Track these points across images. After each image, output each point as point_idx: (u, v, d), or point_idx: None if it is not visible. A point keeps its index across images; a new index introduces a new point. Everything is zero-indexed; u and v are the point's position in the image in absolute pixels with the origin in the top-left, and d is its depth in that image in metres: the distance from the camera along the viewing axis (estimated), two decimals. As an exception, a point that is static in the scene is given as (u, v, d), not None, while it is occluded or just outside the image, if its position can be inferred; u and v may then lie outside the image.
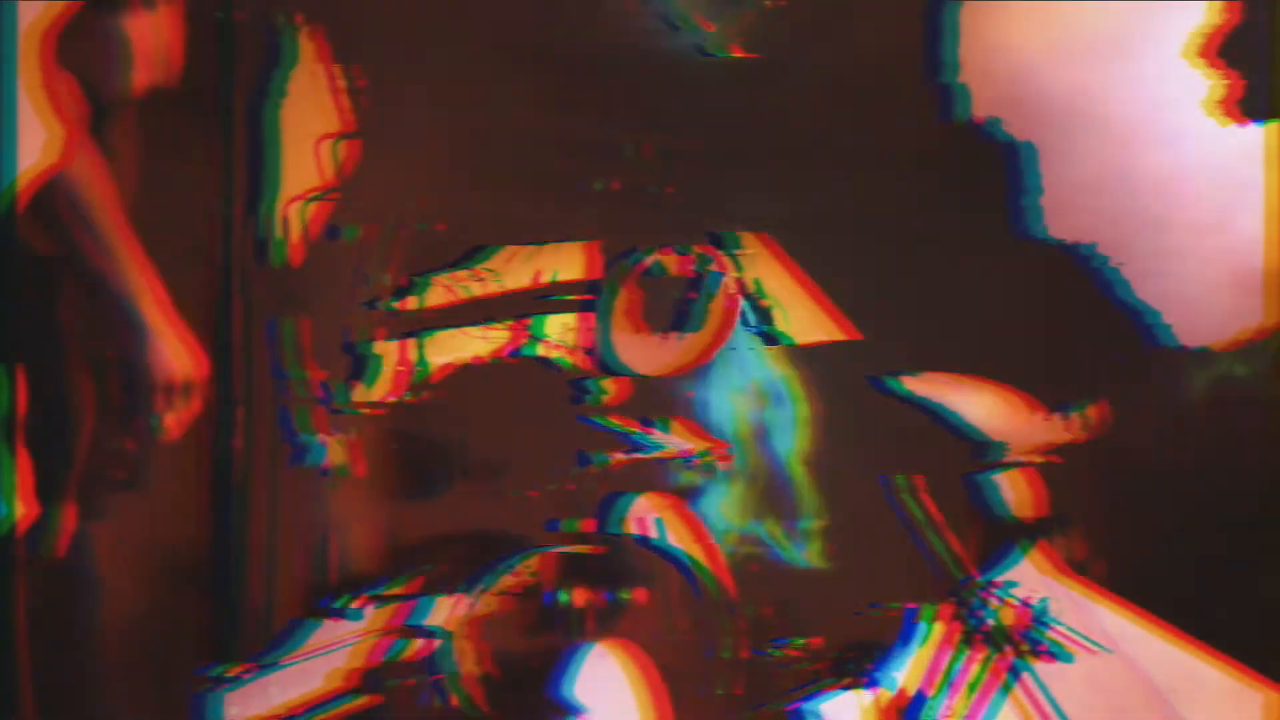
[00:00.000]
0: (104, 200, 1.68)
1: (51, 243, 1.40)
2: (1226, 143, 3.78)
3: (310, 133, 3.99)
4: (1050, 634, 3.77)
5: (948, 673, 3.78)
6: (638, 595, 3.94)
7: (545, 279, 4.25)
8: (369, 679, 3.69)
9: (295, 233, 3.88)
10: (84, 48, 1.54)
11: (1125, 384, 4.68)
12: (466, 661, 3.74)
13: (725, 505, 4.67)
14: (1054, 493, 4.25)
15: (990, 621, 3.85)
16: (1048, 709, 3.68)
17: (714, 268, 4.60)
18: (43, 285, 1.42)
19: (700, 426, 4.54)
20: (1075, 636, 3.73)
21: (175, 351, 1.78)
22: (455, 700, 3.66)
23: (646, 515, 4.20)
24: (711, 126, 4.60)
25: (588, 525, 3.99)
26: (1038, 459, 4.29)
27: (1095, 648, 3.72)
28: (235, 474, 3.67)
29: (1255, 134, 3.77)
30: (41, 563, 1.65)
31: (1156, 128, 3.98)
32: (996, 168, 4.20)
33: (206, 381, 1.79)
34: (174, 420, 1.80)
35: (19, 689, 1.58)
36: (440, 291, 4.17)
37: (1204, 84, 3.90)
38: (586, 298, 4.30)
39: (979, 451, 4.31)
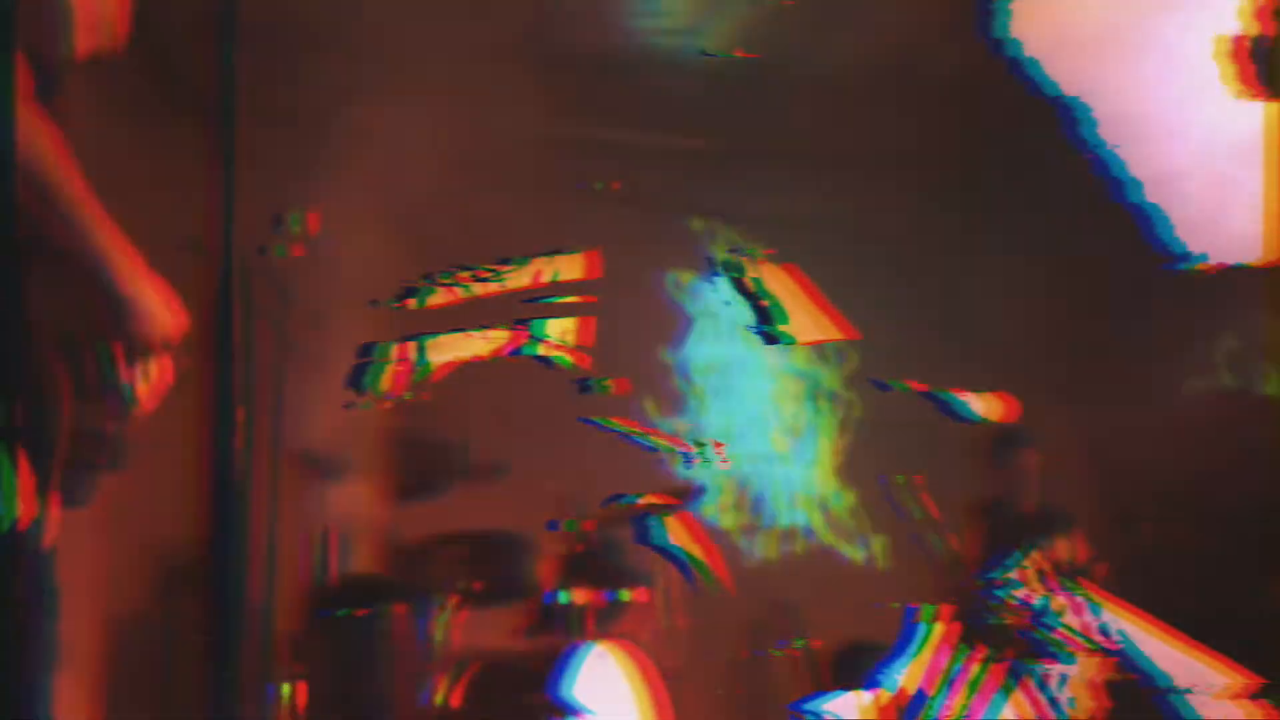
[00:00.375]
0: (62, 169, 1.65)
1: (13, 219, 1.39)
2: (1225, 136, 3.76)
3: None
4: (1050, 634, 3.76)
5: (948, 673, 3.77)
6: (638, 595, 3.93)
7: (545, 279, 4.26)
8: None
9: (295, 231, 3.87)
10: (25, 12, 1.50)
11: (1129, 383, 4.68)
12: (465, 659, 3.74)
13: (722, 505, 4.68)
14: (1055, 493, 4.24)
15: (990, 622, 3.84)
16: (1048, 709, 3.68)
17: (715, 269, 4.61)
18: (7, 265, 1.40)
19: (700, 426, 4.55)
20: (1075, 636, 3.72)
21: (152, 307, 1.73)
22: (454, 699, 3.65)
23: (647, 515, 4.20)
24: (711, 126, 4.60)
25: (588, 525, 3.98)
26: (1039, 456, 4.29)
27: (1095, 648, 3.71)
28: (235, 474, 3.66)
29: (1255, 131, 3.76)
30: (27, 554, 1.63)
31: (1158, 124, 3.97)
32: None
33: (182, 344, 1.75)
34: (147, 390, 1.76)
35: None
36: (441, 292, 4.18)
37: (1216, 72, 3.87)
38: (588, 298, 4.30)
39: (989, 441, 4.30)
